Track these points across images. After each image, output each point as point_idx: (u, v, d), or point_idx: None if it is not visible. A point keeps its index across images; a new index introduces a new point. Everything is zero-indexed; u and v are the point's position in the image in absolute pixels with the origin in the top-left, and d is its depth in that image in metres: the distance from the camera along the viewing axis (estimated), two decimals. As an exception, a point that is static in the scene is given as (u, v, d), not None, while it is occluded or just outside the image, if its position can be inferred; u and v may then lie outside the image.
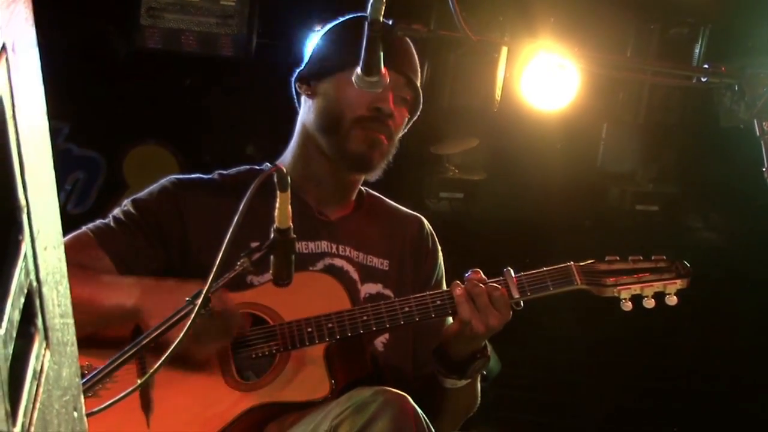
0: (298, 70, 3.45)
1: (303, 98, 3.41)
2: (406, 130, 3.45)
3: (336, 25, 3.46)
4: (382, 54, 2.63)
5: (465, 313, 2.98)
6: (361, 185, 3.50)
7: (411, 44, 3.41)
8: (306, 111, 3.38)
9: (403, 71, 3.30)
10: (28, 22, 1.17)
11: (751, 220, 6.43)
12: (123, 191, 6.39)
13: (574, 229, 6.71)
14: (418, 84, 3.40)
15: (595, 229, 6.71)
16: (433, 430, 2.62)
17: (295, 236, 2.54)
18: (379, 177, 3.42)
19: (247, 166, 3.45)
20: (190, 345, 2.81)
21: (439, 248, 3.54)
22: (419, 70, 3.43)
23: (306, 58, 3.47)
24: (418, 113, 3.44)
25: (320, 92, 3.34)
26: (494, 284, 3.04)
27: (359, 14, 3.40)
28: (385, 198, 3.58)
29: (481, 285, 3.01)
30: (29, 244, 1.11)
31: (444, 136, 6.41)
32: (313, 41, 3.51)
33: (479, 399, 3.33)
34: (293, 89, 3.47)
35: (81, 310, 2.85)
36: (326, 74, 3.33)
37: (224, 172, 3.43)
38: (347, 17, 3.44)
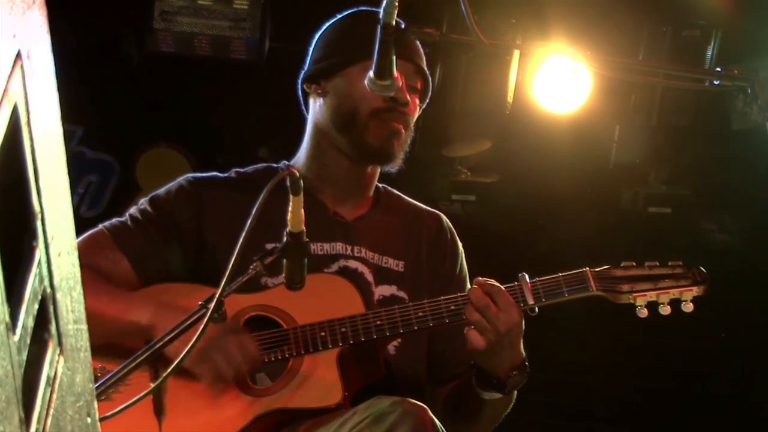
0: (304, 71, 3.43)
1: (312, 98, 3.39)
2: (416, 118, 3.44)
3: (337, 20, 3.43)
4: (394, 57, 2.63)
5: (475, 322, 2.97)
6: (379, 181, 3.48)
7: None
8: (317, 110, 3.35)
9: (411, 59, 3.28)
10: (43, 29, 1.17)
11: (764, 221, 6.41)
12: (136, 194, 6.40)
13: (586, 231, 6.69)
14: (426, 69, 3.39)
15: (607, 231, 6.69)
16: None
17: (308, 240, 2.53)
18: (393, 175, 3.41)
19: (265, 164, 3.45)
20: (192, 363, 2.84)
21: (460, 245, 3.50)
22: (423, 56, 3.41)
23: (309, 58, 3.45)
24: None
25: (331, 90, 3.31)
26: (497, 285, 3.01)
27: (359, 9, 3.41)
28: (402, 195, 3.56)
29: (486, 297, 2.98)
30: (43, 251, 1.11)
31: (456, 138, 6.41)
32: (315, 40, 3.47)
33: (514, 399, 3.28)
34: (300, 90, 3.45)
35: (94, 323, 2.89)
36: (335, 71, 3.30)
37: (241, 170, 3.41)
38: (347, 12, 3.43)
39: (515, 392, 3.19)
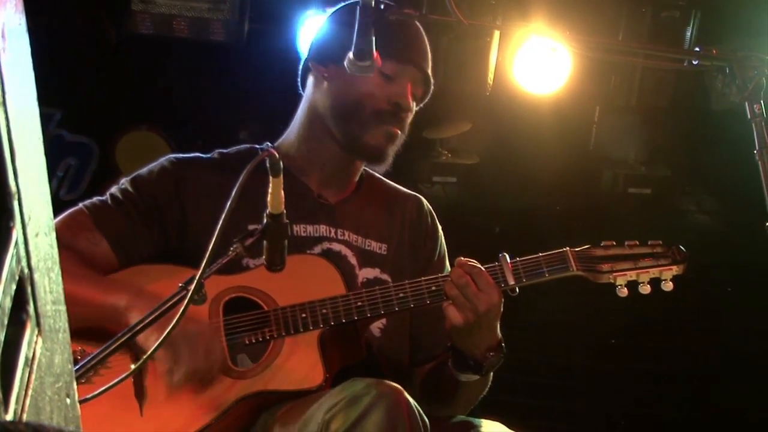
0: (314, 48, 3.38)
1: (315, 78, 3.34)
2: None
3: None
4: (374, 38, 2.62)
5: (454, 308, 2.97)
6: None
7: (423, 33, 3.39)
8: (319, 93, 3.32)
9: (422, 67, 3.30)
10: (18, 8, 1.17)
11: (743, 202, 6.43)
12: (115, 177, 6.32)
13: (567, 212, 6.71)
14: (431, 77, 3.39)
15: (588, 212, 6.71)
16: (426, 421, 2.61)
17: (288, 221, 2.53)
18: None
19: (248, 145, 3.43)
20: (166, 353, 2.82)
21: (439, 227, 3.51)
22: (431, 59, 3.41)
23: (321, 34, 3.40)
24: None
25: (339, 77, 3.26)
26: (478, 266, 3.02)
27: None
28: (383, 178, 3.56)
29: (467, 276, 2.99)
30: (20, 231, 1.10)
31: (436, 120, 6.40)
32: (330, 18, 3.40)
33: (490, 381, 3.29)
34: (304, 66, 3.41)
35: (70, 305, 2.86)
36: (344, 59, 3.27)
37: (224, 150, 3.39)
38: None
39: (491, 374, 3.21)
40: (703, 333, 7.04)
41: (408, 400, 2.57)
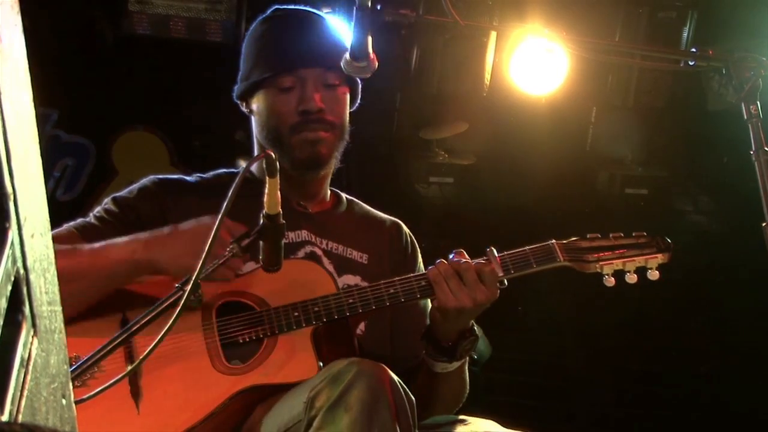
0: (234, 87, 3.47)
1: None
2: (359, 100, 3.45)
3: (252, 29, 3.49)
4: (370, 38, 2.63)
5: (444, 291, 2.99)
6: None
7: (310, 22, 3.39)
8: (254, 124, 3.43)
9: (313, 61, 3.28)
10: (14, 9, 1.17)
11: (739, 202, 6.43)
12: (112, 178, 6.38)
13: (564, 212, 6.70)
14: (341, 62, 3.29)
15: (584, 212, 6.71)
16: (412, 397, 2.62)
17: (284, 222, 2.55)
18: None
19: (225, 170, 3.48)
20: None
21: (419, 251, 3.56)
22: (335, 46, 3.31)
23: (239, 70, 3.49)
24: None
25: (254, 110, 3.39)
26: (482, 261, 3.05)
27: (274, 9, 3.43)
28: (363, 203, 3.61)
29: (468, 261, 3.02)
30: (16, 232, 1.10)
31: (433, 120, 6.41)
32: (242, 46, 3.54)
33: (468, 387, 3.33)
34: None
35: (86, 276, 2.91)
36: (251, 92, 3.37)
37: (203, 175, 3.46)
38: (261, 18, 3.47)
39: (468, 377, 3.27)
40: (700, 333, 7.04)
41: (391, 376, 2.59)
